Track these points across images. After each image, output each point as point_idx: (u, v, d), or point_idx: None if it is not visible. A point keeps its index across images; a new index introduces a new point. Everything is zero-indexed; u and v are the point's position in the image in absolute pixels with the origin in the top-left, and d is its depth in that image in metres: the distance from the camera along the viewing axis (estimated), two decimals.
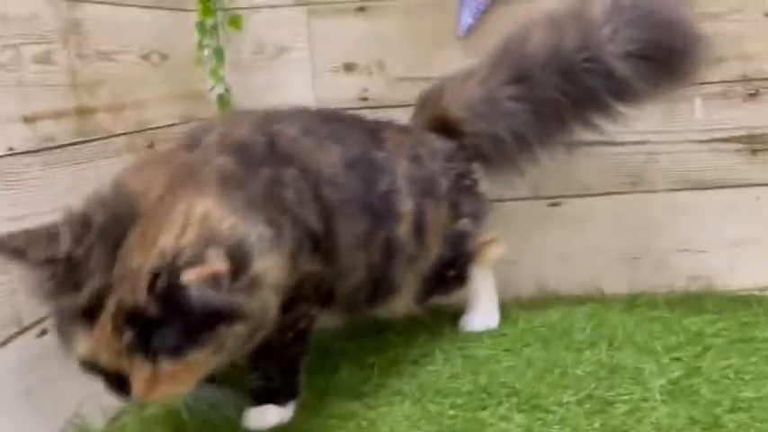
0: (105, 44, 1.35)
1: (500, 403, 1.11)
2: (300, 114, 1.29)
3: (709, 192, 1.71)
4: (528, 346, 1.36)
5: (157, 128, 1.52)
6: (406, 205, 1.27)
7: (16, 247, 0.83)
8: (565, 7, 1.42)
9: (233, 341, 0.84)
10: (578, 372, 1.22)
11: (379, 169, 1.25)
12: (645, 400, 1.11)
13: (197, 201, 0.86)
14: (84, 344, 0.82)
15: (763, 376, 1.16)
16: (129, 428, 1.14)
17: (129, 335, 0.79)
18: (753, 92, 1.67)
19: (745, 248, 1.72)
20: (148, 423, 1.15)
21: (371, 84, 1.73)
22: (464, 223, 1.41)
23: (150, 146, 1.48)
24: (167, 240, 0.81)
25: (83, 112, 1.27)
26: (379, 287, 1.27)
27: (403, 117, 1.55)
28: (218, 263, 0.78)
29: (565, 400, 1.11)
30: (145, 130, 1.47)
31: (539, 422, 1.06)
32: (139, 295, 0.79)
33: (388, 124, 1.42)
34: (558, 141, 1.48)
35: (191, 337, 0.79)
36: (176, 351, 0.79)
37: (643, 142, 1.71)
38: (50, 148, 1.16)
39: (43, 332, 1.08)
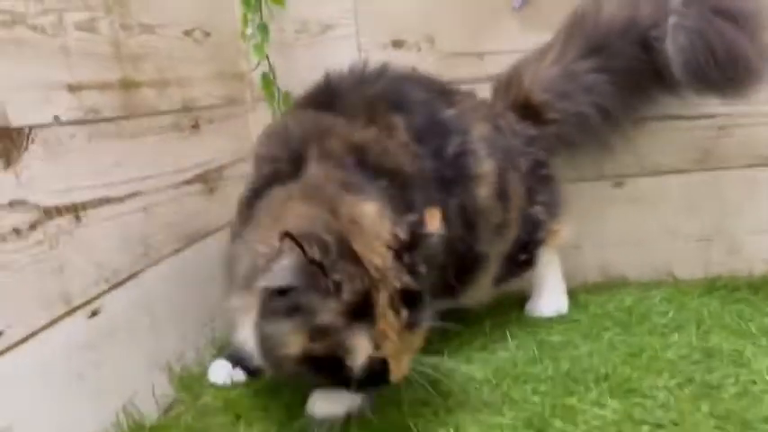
0: (148, 16, 1.28)
1: (589, 389, 1.01)
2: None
3: None
4: (606, 330, 1.26)
5: (202, 108, 1.45)
6: (485, 166, 1.20)
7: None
8: None
9: None
10: (669, 355, 1.12)
11: (447, 131, 1.18)
12: (753, 383, 1.00)
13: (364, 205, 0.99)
14: (364, 344, 0.88)
15: None
16: (185, 419, 1.06)
17: (405, 312, 0.90)
18: None
19: None
20: (203, 412, 1.07)
21: (421, 60, 1.62)
22: (538, 210, 1.34)
23: (195, 126, 1.41)
24: (381, 233, 0.94)
25: (128, 85, 1.19)
26: (465, 264, 1.20)
27: None
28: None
29: (662, 384, 1.01)
30: (191, 110, 1.40)
31: (638, 407, 0.95)
32: (399, 276, 0.91)
33: (464, 91, 1.36)
34: (640, 112, 1.39)
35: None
36: (426, 317, 0.94)
37: (713, 116, 1.60)
38: (96, 121, 1.09)
39: (94, 313, 1.01)
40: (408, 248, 0.92)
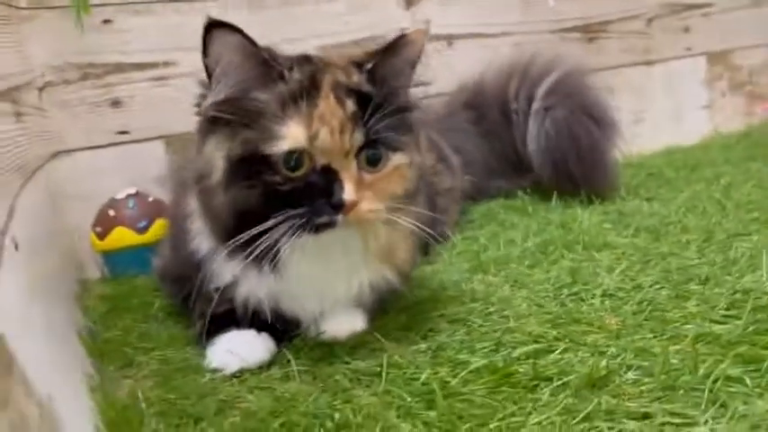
0: None
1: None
2: None
3: None
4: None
5: None
6: None
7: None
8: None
9: (416, 160, 0.78)
10: None
11: None
12: None
13: None
14: (299, 128, 0.71)
15: None
16: None
17: (350, 104, 0.73)
18: None
19: None
20: None
21: None
22: None
23: None
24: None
25: None
26: None
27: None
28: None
29: None
30: None
31: None
32: (352, 75, 0.75)
33: None
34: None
35: (395, 127, 0.75)
36: (387, 142, 0.74)
37: None
38: None
39: None
40: (369, 59, 0.76)
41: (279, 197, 0.71)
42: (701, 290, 0.84)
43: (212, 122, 0.75)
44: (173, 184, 1.06)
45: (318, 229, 0.72)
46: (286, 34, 1.48)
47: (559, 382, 0.66)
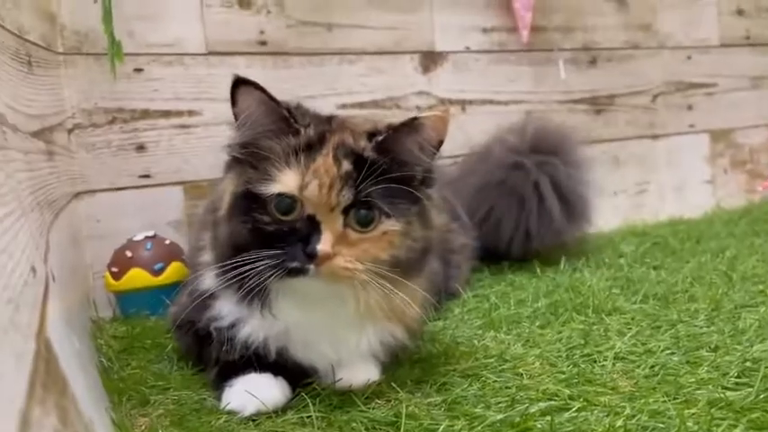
0: None
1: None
2: None
3: None
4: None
5: None
6: None
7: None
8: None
9: (414, 233, 0.80)
10: None
11: None
12: None
13: None
14: (293, 176, 0.76)
15: None
16: None
17: (347, 164, 0.77)
18: None
19: None
20: None
21: (268, 24, 1.50)
22: None
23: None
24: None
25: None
26: None
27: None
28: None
29: None
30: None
31: None
32: (359, 140, 0.80)
33: None
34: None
35: (393, 195, 0.78)
36: (379, 206, 0.77)
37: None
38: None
39: None
40: (382, 131, 0.80)
41: (264, 235, 0.76)
42: (712, 357, 0.85)
43: (232, 162, 0.84)
44: (194, 229, 1.09)
45: (290, 273, 0.75)
46: (307, 91, 1.54)
47: None
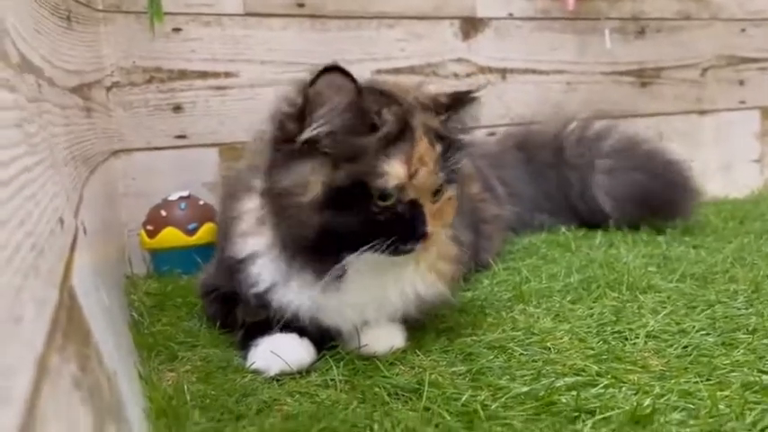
0: None
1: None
2: None
3: None
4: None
5: None
6: None
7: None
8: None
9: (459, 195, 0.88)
10: None
11: None
12: None
13: None
14: (399, 167, 0.77)
15: None
16: None
17: (438, 147, 0.81)
18: None
19: None
20: None
21: None
22: None
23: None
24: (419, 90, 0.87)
25: None
26: None
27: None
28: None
29: None
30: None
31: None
32: (434, 119, 0.83)
33: None
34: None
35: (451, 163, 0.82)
36: (450, 178, 0.83)
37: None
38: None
39: None
40: (446, 107, 0.83)
41: (375, 224, 0.78)
42: (749, 339, 0.83)
43: (307, 149, 0.78)
44: (224, 192, 1.07)
45: (400, 253, 0.79)
46: (343, 55, 1.52)
47: (602, 416, 0.65)
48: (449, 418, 0.67)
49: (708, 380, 0.73)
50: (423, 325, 0.90)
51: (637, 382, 0.73)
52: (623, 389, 0.71)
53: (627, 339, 0.86)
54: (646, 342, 0.84)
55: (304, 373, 0.79)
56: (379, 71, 1.58)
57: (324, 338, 0.84)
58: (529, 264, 1.23)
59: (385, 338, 0.85)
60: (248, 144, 1.09)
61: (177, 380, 0.77)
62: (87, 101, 1.08)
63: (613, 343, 0.85)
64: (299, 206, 0.79)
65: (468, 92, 0.85)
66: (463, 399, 0.70)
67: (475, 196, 1.21)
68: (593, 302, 1.00)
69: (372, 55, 1.57)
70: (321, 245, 0.78)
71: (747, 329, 0.86)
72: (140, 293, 1.12)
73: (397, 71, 1.60)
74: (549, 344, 0.84)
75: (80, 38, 1.12)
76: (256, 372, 0.79)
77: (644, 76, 1.89)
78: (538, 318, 0.95)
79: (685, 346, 0.82)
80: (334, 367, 0.79)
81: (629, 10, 1.84)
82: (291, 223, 0.80)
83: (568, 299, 1.03)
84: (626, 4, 1.84)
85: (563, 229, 1.46)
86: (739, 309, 0.94)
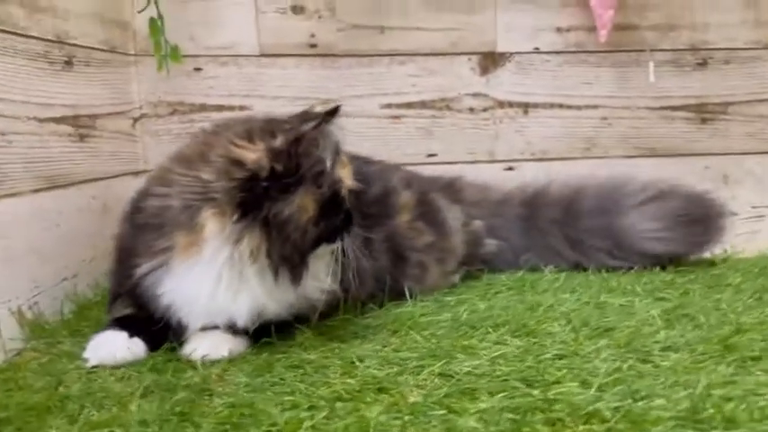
0: None
1: (488, 332, 0.99)
2: None
3: None
4: (501, 293, 1.25)
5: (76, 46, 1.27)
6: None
7: None
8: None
9: None
10: (564, 308, 1.11)
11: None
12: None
13: None
14: (345, 174, 1.03)
15: None
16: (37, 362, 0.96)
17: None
18: None
19: None
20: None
21: (321, 28, 1.61)
22: None
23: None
24: None
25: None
26: None
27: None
28: None
29: (559, 329, 1.00)
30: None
31: (537, 345, 0.93)
32: None
33: None
34: None
35: None
36: None
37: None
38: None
39: None
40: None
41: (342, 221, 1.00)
42: None
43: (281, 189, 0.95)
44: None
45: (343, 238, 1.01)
46: (354, 91, 1.61)
47: None
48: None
49: None
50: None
51: None
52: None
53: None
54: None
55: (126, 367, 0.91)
56: (388, 105, 1.64)
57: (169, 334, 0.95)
58: (452, 299, 1.21)
59: (221, 345, 0.94)
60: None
61: None
62: (79, 129, 1.32)
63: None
64: (298, 230, 0.95)
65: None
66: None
67: (401, 225, 1.23)
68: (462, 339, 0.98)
69: (382, 90, 1.64)
70: (308, 251, 0.96)
71: None
72: None
73: (407, 105, 1.65)
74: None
75: (117, 78, 1.40)
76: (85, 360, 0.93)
77: (705, 111, 1.70)
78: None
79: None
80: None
81: (685, 40, 1.68)
82: (285, 242, 0.94)
83: (440, 333, 1.01)
84: (682, 34, 1.68)
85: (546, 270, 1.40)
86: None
